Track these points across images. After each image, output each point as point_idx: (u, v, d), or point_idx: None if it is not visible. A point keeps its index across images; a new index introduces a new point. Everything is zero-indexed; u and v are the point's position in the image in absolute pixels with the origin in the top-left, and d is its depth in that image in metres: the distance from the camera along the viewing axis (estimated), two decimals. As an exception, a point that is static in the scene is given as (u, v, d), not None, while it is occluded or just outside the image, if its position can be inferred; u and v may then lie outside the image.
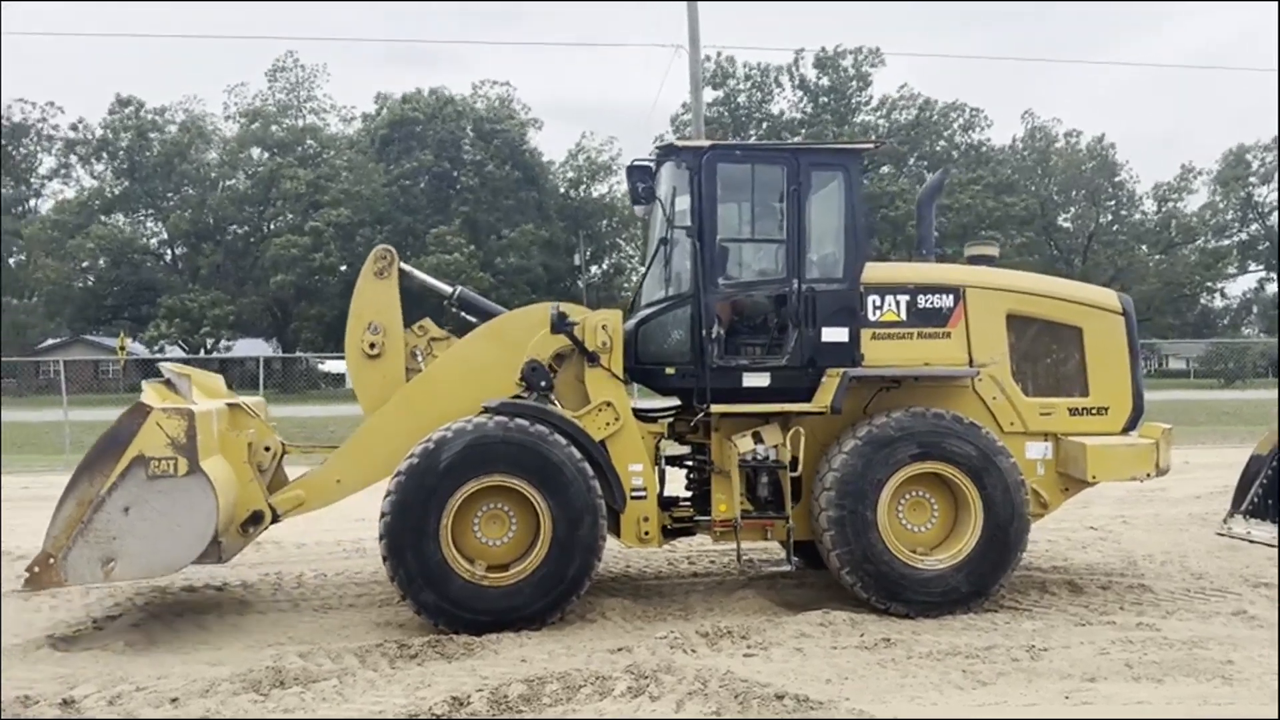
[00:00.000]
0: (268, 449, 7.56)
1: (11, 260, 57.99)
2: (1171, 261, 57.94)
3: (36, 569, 6.49)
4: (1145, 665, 5.85)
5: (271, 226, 53.31)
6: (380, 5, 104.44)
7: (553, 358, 7.48)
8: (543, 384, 7.40)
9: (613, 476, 7.16)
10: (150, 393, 6.90)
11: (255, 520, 7.26)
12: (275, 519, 7.37)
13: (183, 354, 49.58)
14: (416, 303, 8.55)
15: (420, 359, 7.84)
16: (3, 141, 53.88)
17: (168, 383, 7.16)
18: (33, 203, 61.91)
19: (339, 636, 6.86)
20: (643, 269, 8.49)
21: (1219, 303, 67.95)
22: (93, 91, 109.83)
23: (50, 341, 57.13)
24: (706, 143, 7.60)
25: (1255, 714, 5.16)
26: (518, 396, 7.39)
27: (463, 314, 8.33)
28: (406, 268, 8.03)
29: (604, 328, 7.38)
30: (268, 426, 7.71)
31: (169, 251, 55.84)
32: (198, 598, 7.98)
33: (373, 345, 7.70)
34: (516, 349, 7.48)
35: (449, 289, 8.26)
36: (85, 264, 50.94)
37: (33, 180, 62.48)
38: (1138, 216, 60.78)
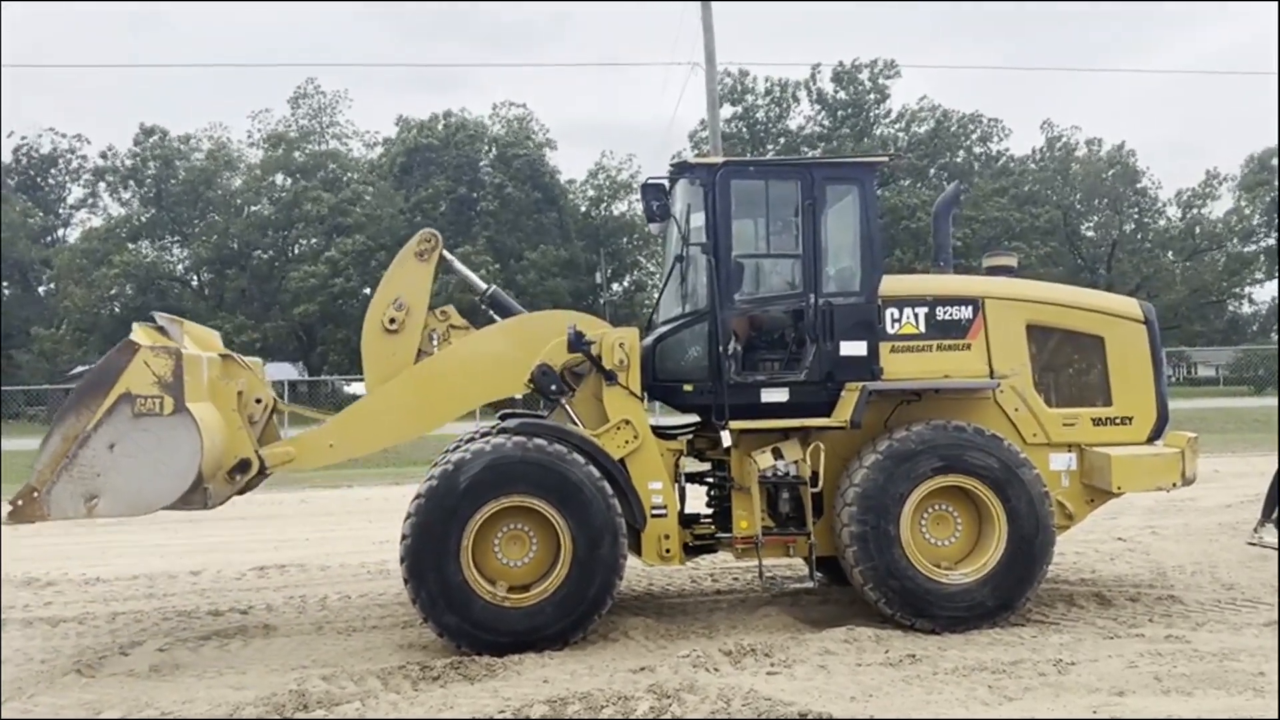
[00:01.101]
0: (259, 401, 7.52)
1: (41, 289, 58.84)
2: (1198, 268, 57.35)
3: (20, 502, 6.50)
4: (1175, 678, 5.76)
5: (295, 251, 53.79)
6: (398, 31, 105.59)
7: (566, 367, 7.48)
8: (553, 388, 7.41)
9: (632, 495, 7.14)
10: (140, 333, 6.92)
11: (242, 468, 7.21)
12: (263, 470, 7.32)
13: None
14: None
15: (435, 343, 7.82)
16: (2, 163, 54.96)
17: (160, 329, 7.17)
18: (61, 232, 62.91)
19: (362, 659, 6.86)
20: (660, 286, 8.50)
21: (1247, 309, 67.19)
22: (122, 121, 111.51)
23: (79, 369, 57.69)
24: (720, 159, 7.60)
25: (1289, 727, 5.07)
26: (524, 400, 7.40)
27: (491, 312, 8.35)
28: (449, 256, 8.03)
29: (621, 345, 7.38)
30: (260, 380, 7.66)
31: (195, 278, 56.42)
32: (223, 622, 8.02)
33: (393, 320, 7.69)
34: (532, 350, 7.50)
35: (483, 286, 8.28)
36: (112, 291, 51.56)
37: (61, 210, 63.48)
38: (1162, 224, 60.26)
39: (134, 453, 6.48)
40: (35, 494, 6.48)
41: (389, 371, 7.68)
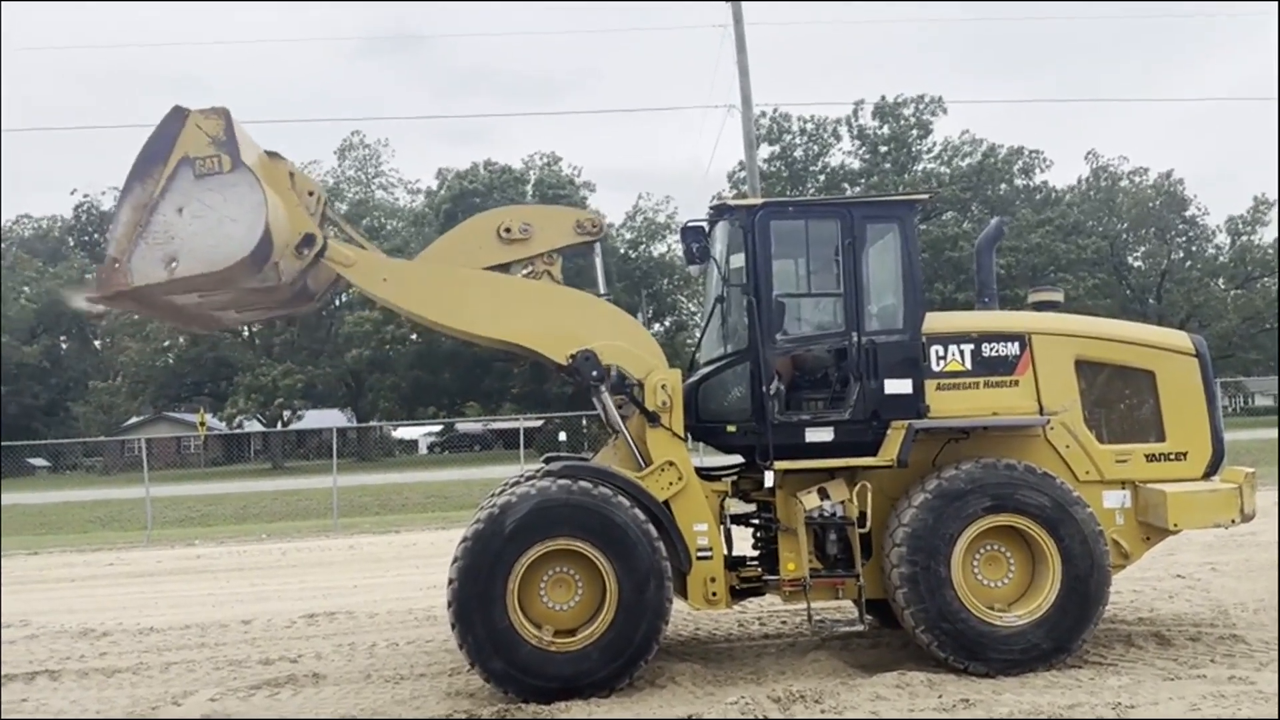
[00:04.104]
0: (311, 193, 7.53)
1: (96, 343, 60.30)
2: (1250, 295, 56.20)
3: (103, 273, 6.64)
4: (1241, 722, 5.58)
5: (343, 299, 54.62)
6: (429, 89, 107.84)
7: (610, 366, 7.42)
8: (594, 374, 7.36)
9: (677, 537, 7.11)
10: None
11: (308, 242, 7.20)
12: (324, 251, 7.30)
13: (261, 427, 50.72)
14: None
15: (520, 274, 7.83)
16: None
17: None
18: (116, 286, 64.41)
19: (410, 708, 6.87)
20: (702, 327, 8.50)
21: (1304, 335, 65.52)
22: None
23: (134, 420, 58.89)
24: (759, 201, 7.64)
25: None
26: (568, 442, 7.38)
27: None
28: (597, 250, 8.11)
29: (663, 387, 7.37)
30: (309, 178, 7.66)
31: (245, 328, 57.41)
32: (273, 671, 8.06)
33: (509, 230, 7.71)
34: (593, 336, 7.47)
35: (604, 290, 8.15)
36: (165, 343, 52.62)
37: (117, 265, 65.04)
38: (1211, 251, 59.25)
39: (202, 212, 6.65)
40: (117, 264, 6.61)
41: (460, 260, 7.68)
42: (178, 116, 6.81)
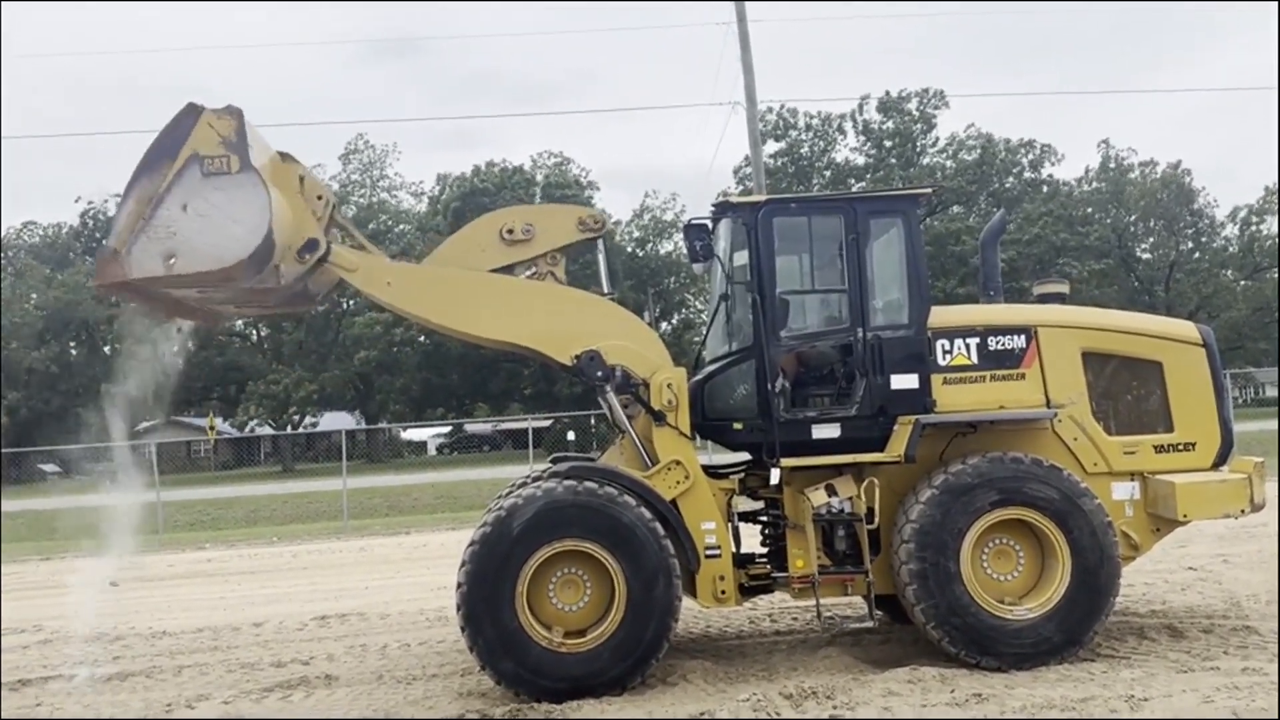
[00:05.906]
0: (320, 198, 7.47)
1: (106, 348, 60.48)
2: (1259, 285, 55.94)
3: (102, 262, 6.65)
4: (1253, 712, 5.59)
5: (351, 304, 54.73)
6: (431, 96, 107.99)
7: (616, 366, 7.40)
8: (599, 374, 7.35)
9: (685, 536, 7.11)
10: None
11: (311, 247, 7.18)
12: (326, 256, 7.28)
13: (271, 431, 50.83)
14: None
15: (524, 276, 7.81)
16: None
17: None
18: (125, 291, 64.66)
19: (422, 708, 6.89)
20: (707, 325, 8.49)
21: (1315, 325, 65.14)
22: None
23: (144, 425, 59.08)
24: (762, 197, 7.63)
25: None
26: (576, 442, 7.38)
27: None
28: (601, 250, 8.13)
29: (669, 386, 7.37)
30: (320, 182, 7.66)
31: (254, 332, 57.60)
32: (285, 674, 8.08)
33: (511, 231, 7.69)
34: (598, 336, 7.44)
35: (609, 290, 8.19)
36: (175, 348, 52.65)
37: (124, 270, 65.26)
38: (1219, 242, 58.95)
39: (206, 211, 6.63)
40: (116, 254, 6.62)
41: (466, 263, 7.66)
42: (191, 113, 6.80)
